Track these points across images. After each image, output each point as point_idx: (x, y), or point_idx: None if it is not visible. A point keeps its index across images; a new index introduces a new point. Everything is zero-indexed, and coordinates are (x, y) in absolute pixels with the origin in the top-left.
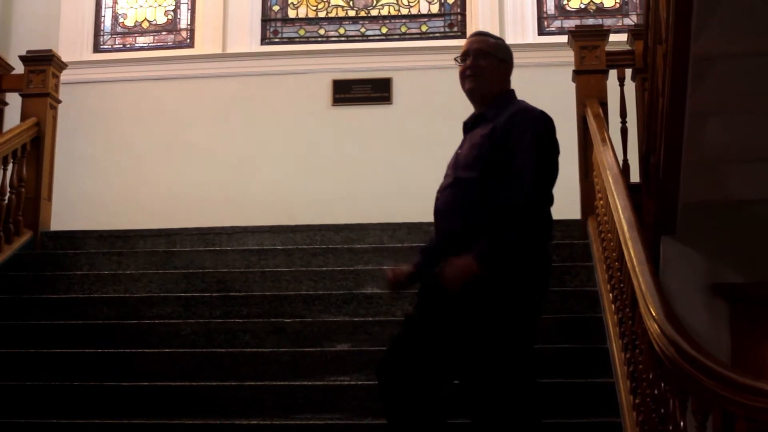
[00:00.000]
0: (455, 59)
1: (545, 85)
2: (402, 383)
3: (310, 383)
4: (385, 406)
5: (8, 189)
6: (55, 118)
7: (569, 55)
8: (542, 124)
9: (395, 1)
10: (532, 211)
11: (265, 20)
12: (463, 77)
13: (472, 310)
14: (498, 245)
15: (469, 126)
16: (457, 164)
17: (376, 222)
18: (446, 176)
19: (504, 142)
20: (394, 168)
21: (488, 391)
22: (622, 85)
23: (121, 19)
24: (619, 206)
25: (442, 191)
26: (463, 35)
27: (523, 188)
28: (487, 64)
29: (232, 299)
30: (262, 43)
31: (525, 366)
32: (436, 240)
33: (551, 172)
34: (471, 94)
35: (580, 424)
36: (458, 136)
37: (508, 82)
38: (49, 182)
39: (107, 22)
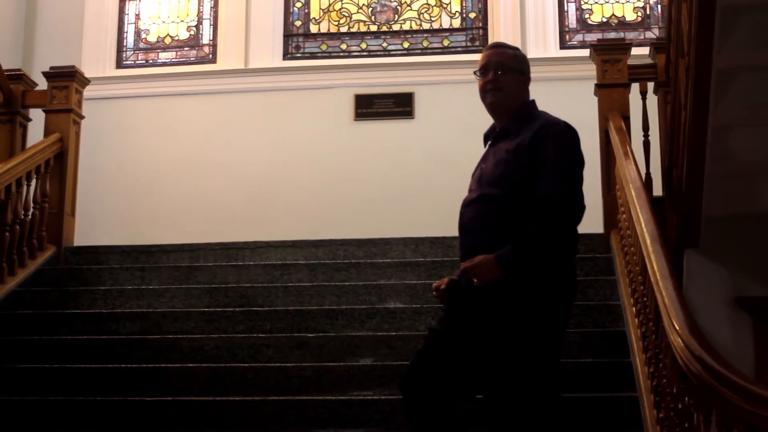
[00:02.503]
0: (474, 73)
1: (567, 98)
2: (426, 397)
3: (333, 398)
4: (409, 420)
5: (32, 204)
6: (78, 133)
7: (591, 69)
8: (568, 137)
9: (417, 16)
10: (560, 230)
11: (287, 35)
12: (484, 91)
13: (497, 323)
14: (522, 254)
15: (491, 139)
16: (482, 180)
17: (398, 236)
18: (471, 191)
19: (530, 161)
20: (417, 182)
21: (512, 405)
22: (644, 98)
23: (143, 35)
24: (642, 220)
25: (467, 207)
26: None
27: (552, 212)
28: (507, 78)
29: (255, 314)
30: (284, 59)
31: (549, 380)
32: (461, 256)
33: (578, 185)
34: (492, 108)
35: None
36: (481, 150)
37: (528, 92)
38: (73, 197)
39: (130, 38)
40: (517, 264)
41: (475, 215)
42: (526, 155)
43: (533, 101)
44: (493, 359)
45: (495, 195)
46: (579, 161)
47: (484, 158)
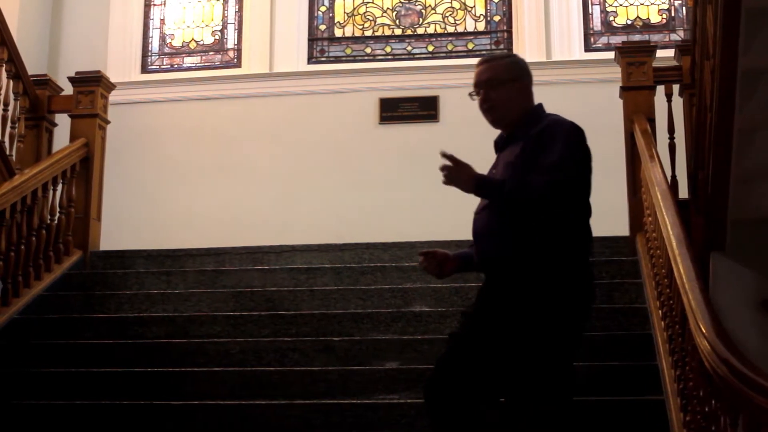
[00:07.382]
0: (469, 94)
1: (592, 101)
2: (448, 401)
3: (358, 401)
4: (433, 424)
5: (58, 209)
6: (103, 138)
7: (616, 72)
8: (575, 136)
9: (441, 20)
10: (553, 193)
11: (312, 39)
12: (482, 110)
13: (516, 327)
14: (498, 190)
15: (500, 145)
16: None
17: (424, 240)
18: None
19: (535, 155)
20: (442, 186)
21: (526, 407)
22: (669, 100)
23: (168, 40)
24: (667, 222)
25: (479, 213)
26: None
27: (549, 175)
28: (498, 95)
29: (281, 318)
30: (308, 63)
31: (564, 384)
32: (477, 261)
33: (585, 182)
34: (494, 125)
35: None
36: None
37: (530, 97)
38: (98, 202)
39: (155, 43)
40: (488, 194)
41: (485, 222)
42: (531, 150)
43: (540, 105)
44: (507, 362)
45: None
46: (585, 161)
47: (494, 164)
